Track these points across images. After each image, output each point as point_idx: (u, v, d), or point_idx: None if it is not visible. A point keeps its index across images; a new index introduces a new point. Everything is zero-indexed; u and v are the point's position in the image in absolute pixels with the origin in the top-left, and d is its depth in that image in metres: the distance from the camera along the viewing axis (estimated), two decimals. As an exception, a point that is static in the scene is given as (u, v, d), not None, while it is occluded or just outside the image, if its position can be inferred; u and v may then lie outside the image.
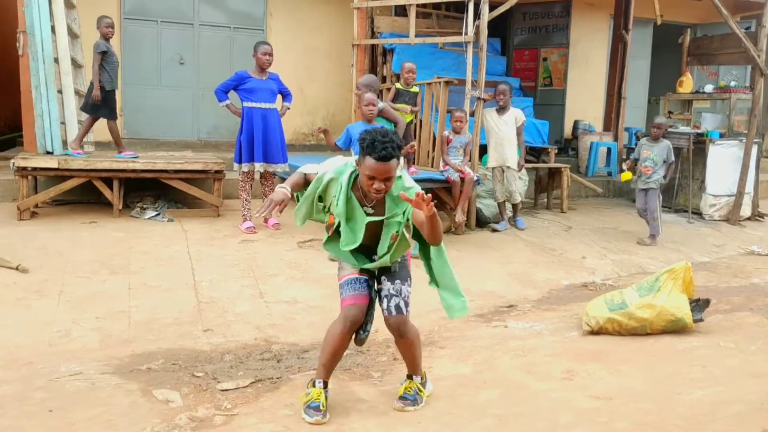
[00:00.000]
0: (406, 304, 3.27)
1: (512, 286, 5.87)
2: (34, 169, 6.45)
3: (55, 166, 6.38)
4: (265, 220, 6.66)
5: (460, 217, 6.78)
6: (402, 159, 7.49)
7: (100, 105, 6.69)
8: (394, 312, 3.23)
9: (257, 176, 6.61)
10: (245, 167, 6.36)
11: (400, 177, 3.09)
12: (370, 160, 2.90)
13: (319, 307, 4.98)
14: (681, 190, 9.15)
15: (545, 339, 4.61)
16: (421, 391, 3.44)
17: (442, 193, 6.99)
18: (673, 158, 7.36)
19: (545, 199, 9.01)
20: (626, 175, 7.55)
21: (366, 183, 2.98)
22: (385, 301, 3.26)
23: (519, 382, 3.84)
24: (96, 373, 3.80)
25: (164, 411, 3.39)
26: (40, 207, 6.88)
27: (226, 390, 3.68)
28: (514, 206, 7.52)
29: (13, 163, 6.34)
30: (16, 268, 5.15)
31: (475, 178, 6.84)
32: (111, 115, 6.86)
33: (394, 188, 3.04)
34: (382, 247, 3.19)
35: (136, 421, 3.26)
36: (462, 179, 6.67)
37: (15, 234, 5.96)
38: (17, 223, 6.32)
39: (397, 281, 3.27)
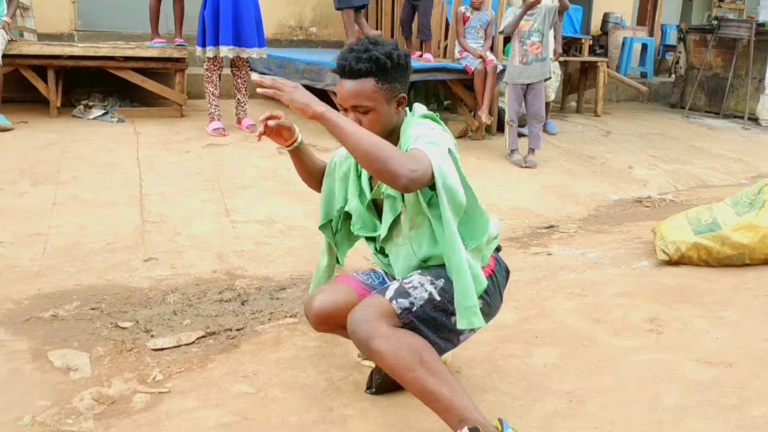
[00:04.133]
0: (406, 307, 1.83)
1: (550, 201, 4.65)
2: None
3: (-31, 50, 5.01)
4: (239, 121, 5.37)
5: (486, 117, 5.48)
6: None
7: None
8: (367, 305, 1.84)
9: (227, 65, 5.28)
10: (210, 52, 4.99)
11: (409, 114, 1.98)
12: (338, 79, 1.92)
13: (301, 228, 3.77)
14: (733, 92, 7.82)
15: (607, 271, 3.43)
16: None
17: (457, 87, 5.68)
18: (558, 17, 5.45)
19: (574, 102, 7.68)
20: None
21: None
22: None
23: (586, 335, 2.67)
24: (-27, 324, 2.62)
25: (60, 385, 2.23)
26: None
27: (161, 350, 2.51)
28: (546, 105, 6.19)
29: None
30: None
31: (500, 67, 5.50)
32: None
33: (404, 133, 1.91)
34: (383, 225, 2.03)
35: (10, 405, 2.10)
36: (484, 68, 5.34)
37: None
38: (-75, 123, 5.02)
39: (418, 271, 1.96)
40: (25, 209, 3.75)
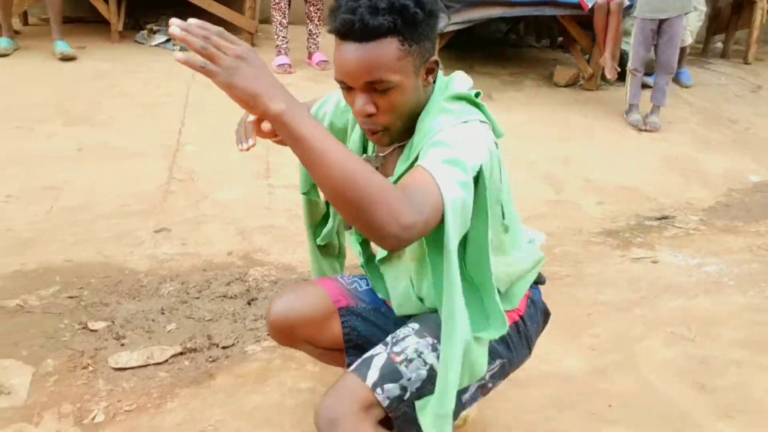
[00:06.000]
0: (396, 395, 1.27)
1: (669, 180, 3.74)
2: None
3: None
4: (309, 56, 4.72)
5: (610, 68, 4.44)
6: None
7: None
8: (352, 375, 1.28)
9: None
10: (278, -28, 4.34)
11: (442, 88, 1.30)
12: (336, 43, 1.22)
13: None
14: None
15: (728, 298, 2.58)
16: None
17: (571, 26, 4.71)
18: None
19: (720, 44, 6.39)
20: None
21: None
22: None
23: (684, 412, 1.91)
24: None
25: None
26: (30, 26, 5.28)
27: (122, 369, 2.02)
28: (681, 51, 5.07)
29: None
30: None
31: (626, 3, 4.46)
32: None
33: (421, 123, 1.27)
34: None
35: None
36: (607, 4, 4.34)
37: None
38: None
39: (415, 326, 1.37)
40: (45, 154, 3.36)
